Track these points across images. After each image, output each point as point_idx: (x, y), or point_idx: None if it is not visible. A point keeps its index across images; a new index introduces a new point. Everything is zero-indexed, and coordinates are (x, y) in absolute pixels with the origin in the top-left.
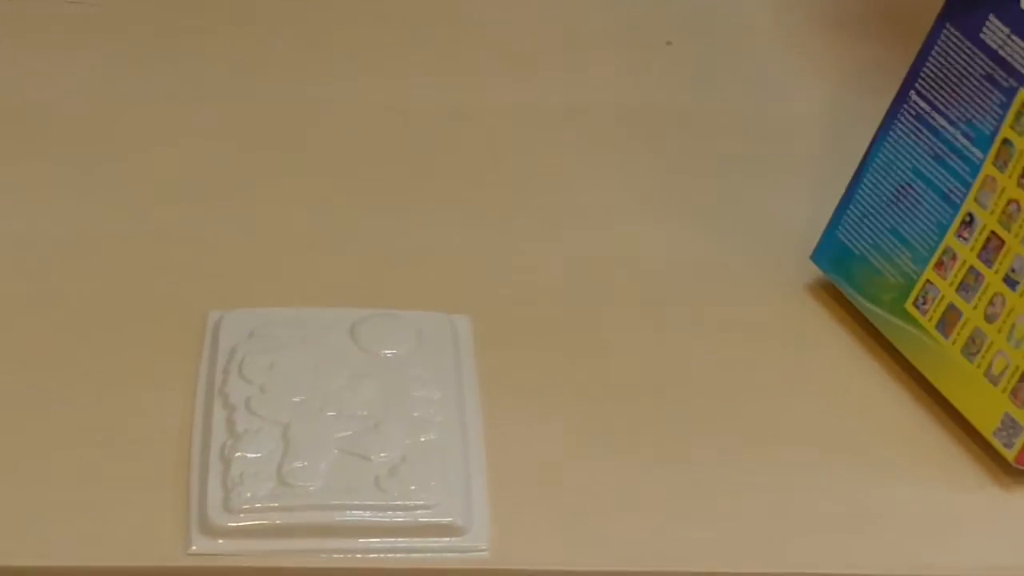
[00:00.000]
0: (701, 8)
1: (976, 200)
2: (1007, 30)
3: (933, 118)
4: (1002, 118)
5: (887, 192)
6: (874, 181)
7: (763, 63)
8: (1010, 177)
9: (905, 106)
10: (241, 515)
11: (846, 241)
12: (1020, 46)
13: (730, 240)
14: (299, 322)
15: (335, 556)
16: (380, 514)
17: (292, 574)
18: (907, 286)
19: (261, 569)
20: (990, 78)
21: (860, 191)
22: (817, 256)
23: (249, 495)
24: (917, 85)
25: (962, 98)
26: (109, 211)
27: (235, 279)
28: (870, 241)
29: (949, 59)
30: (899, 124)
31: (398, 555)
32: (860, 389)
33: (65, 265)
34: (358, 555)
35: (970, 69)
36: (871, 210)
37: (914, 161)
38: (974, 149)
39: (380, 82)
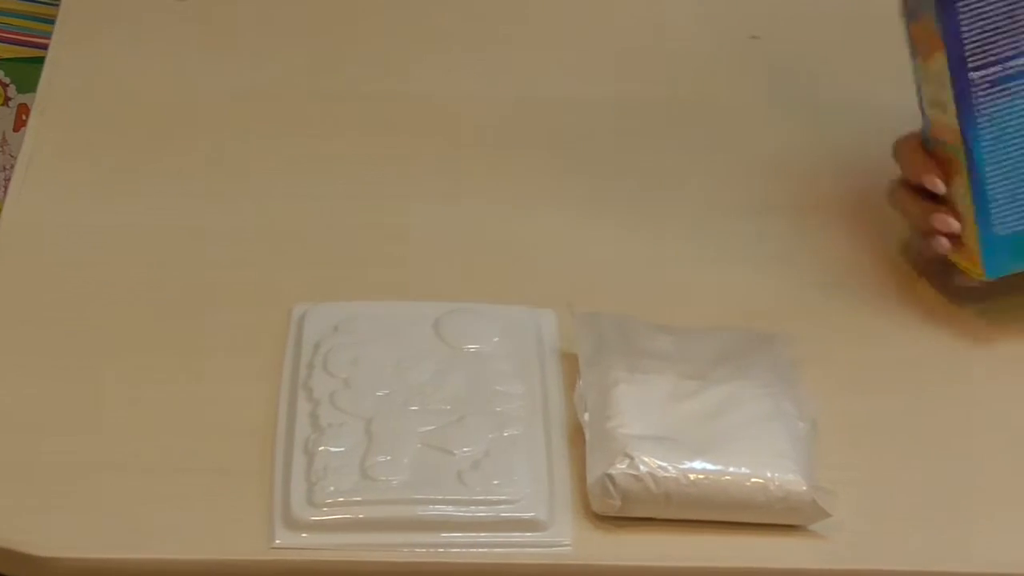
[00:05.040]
0: (787, 2)
1: None
2: None
3: (1013, 66)
4: None
5: (1019, 159)
6: (996, 166)
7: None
8: None
9: (973, 89)
10: (324, 509)
11: (1010, 230)
12: None
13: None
14: (383, 316)
15: (417, 550)
16: (462, 509)
17: (374, 568)
18: None
19: (344, 563)
20: None
21: (989, 185)
22: (991, 269)
23: (332, 489)
24: (969, 63)
25: None
26: (195, 205)
27: (320, 273)
28: None
29: (984, 19)
30: (981, 103)
31: (480, 550)
32: None
33: (152, 258)
34: (440, 549)
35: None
36: (1015, 190)
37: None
38: None
39: (465, 75)
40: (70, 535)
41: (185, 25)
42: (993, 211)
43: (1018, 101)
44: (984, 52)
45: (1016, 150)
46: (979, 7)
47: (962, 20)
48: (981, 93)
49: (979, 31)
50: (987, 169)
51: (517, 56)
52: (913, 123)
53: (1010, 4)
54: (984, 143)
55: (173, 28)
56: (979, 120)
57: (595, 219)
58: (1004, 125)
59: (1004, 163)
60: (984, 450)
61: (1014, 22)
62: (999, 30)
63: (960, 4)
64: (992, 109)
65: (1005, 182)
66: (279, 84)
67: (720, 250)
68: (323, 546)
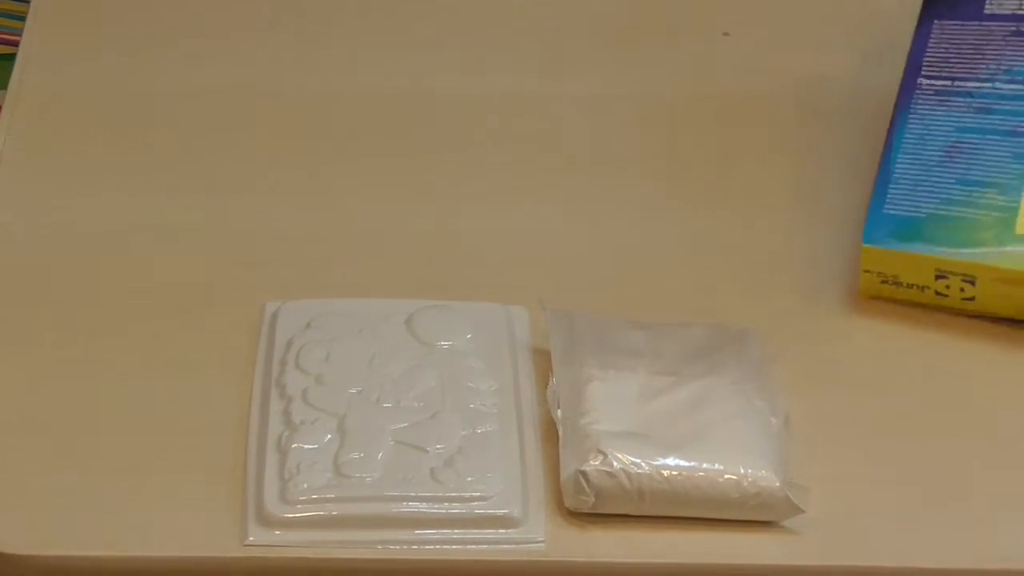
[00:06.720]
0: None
1: None
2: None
3: (960, 86)
4: None
5: (931, 158)
6: (910, 156)
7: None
8: None
9: (918, 92)
10: (298, 506)
11: (901, 212)
12: None
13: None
14: (356, 313)
15: (391, 547)
16: (436, 505)
17: (348, 565)
18: (1009, 216)
19: (317, 560)
20: (1018, 32)
21: (897, 169)
22: (871, 237)
23: (306, 486)
24: (924, 72)
25: (988, 60)
26: (166, 201)
27: (292, 270)
28: (935, 200)
29: (952, 43)
30: (919, 104)
31: (454, 546)
32: None
33: (123, 255)
34: (414, 546)
35: (987, 38)
36: (918, 179)
37: (953, 124)
38: None
39: (435, 72)
40: (42, 533)
41: (156, 21)
42: (891, 191)
43: (952, 114)
44: (940, 67)
45: (929, 151)
46: (952, 33)
47: (932, 36)
48: (923, 96)
49: (943, 51)
50: (899, 156)
51: (485, 52)
52: (885, 113)
53: (979, 39)
54: (907, 134)
55: (144, 25)
56: (911, 115)
57: (567, 215)
58: (930, 126)
59: (916, 157)
60: (957, 445)
61: (977, 52)
62: (961, 55)
63: (936, 24)
64: (926, 110)
65: (911, 171)
66: (250, 80)
67: (693, 246)
68: (296, 543)
